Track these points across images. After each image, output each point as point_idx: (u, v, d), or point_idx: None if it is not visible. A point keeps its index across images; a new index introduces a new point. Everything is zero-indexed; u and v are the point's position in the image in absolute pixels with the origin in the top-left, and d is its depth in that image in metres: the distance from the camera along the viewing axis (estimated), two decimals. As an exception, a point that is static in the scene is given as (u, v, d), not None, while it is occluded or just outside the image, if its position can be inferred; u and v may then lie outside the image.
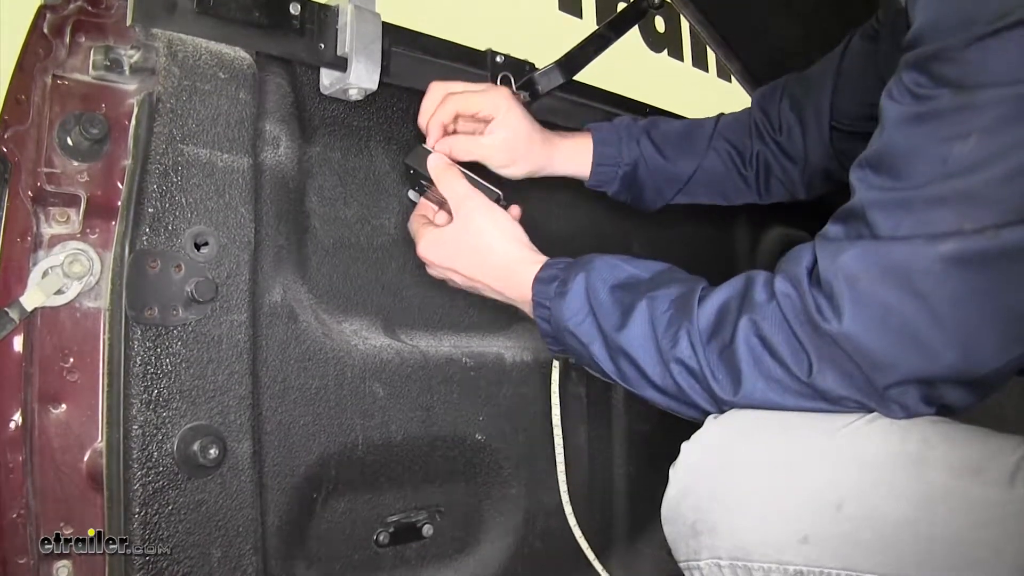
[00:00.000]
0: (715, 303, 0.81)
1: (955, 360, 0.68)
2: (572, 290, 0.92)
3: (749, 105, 1.33)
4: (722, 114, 1.32)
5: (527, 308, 1.00)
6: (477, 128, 1.14)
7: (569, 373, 1.31)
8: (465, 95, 1.11)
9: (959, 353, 0.68)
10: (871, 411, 0.73)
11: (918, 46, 0.67)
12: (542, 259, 1.00)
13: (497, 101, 1.12)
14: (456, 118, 1.12)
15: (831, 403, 0.74)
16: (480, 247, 1.02)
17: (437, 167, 1.07)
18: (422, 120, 1.12)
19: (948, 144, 0.65)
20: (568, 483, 1.33)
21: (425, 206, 1.11)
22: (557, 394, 1.20)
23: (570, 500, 1.20)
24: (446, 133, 1.11)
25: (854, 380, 0.72)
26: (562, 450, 1.19)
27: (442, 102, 1.10)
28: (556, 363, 1.21)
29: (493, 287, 1.03)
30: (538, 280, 0.97)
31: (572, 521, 1.19)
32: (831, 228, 0.75)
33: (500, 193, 1.08)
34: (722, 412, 0.81)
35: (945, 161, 0.66)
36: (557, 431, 1.19)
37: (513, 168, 1.15)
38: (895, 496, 0.68)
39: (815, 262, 0.75)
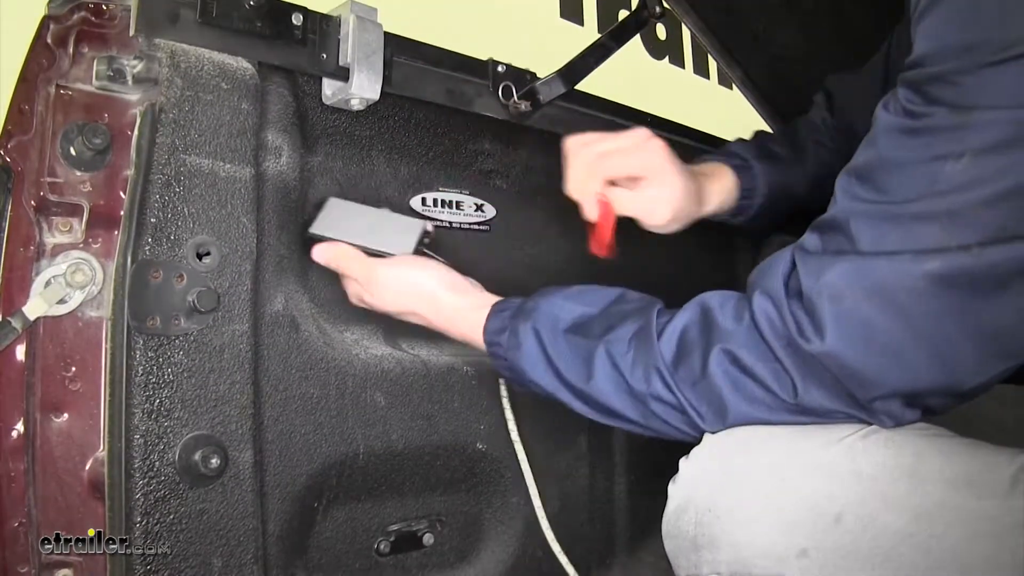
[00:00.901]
0: (674, 334, 0.81)
1: (938, 377, 0.69)
2: (525, 343, 0.91)
3: (752, 111, 1.33)
4: (805, 117, 1.31)
5: (475, 346, 0.99)
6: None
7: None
8: (614, 157, 1.04)
9: (942, 370, 0.68)
10: (860, 421, 0.74)
11: (918, 68, 0.68)
12: (481, 302, 0.99)
13: (650, 160, 1.04)
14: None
15: (820, 417, 0.75)
16: (411, 305, 1.02)
17: (329, 258, 1.04)
18: (572, 190, 1.04)
19: (940, 162, 0.65)
20: (568, 492, 1.33)
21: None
22: (509, 408, 1.19)
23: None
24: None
25: (840, 394, 0.72)
26: (527, 465, 1.19)
27: (590, 168, 1.03)
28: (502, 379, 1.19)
29: (436, 327, 1.03)
30: (488, 331, 0.96)
31: (545, 524, 1.18)
32: (810, 240, 0.75)
33: (426, 227, 1.07)
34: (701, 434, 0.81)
35: (935, 179, 0.66)
36: (518, 445, 1.18)
37: (670, 225, 1.09)
38: (893, 508, 0.68)
39: (791, 272, 0.75)
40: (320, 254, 1.04)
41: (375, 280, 1.02)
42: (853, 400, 0.72)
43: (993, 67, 0.62)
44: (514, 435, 1.18)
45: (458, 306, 1.00)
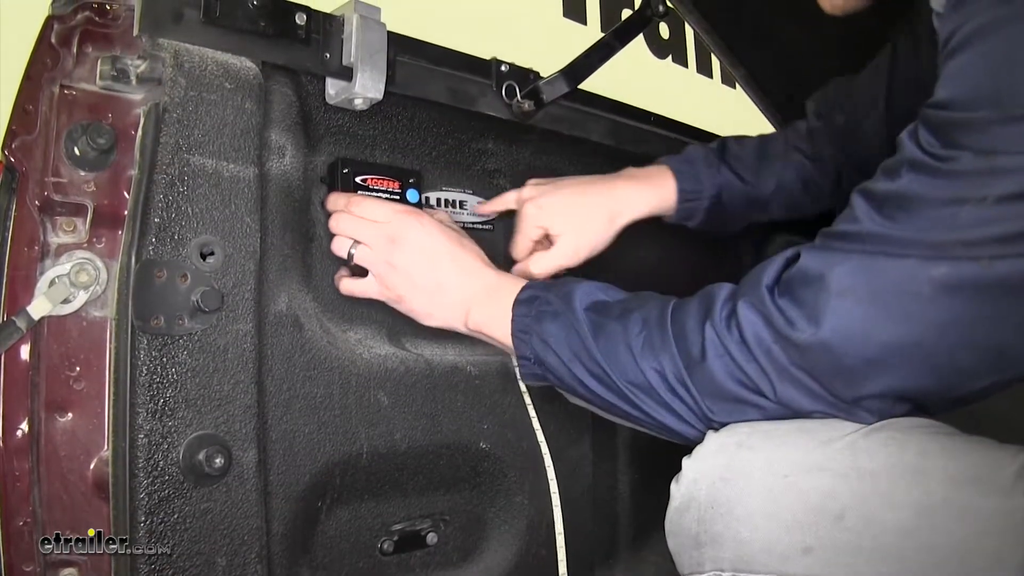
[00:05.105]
0: (681, 319, 0.83)
1: (930, 382, 0.70)
2: (552, 310, 0.93)
3: (756, 110, 1.33)
4: (789, 127, 1.32)
5: (487, 331, 1.01)
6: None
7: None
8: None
9: (935, 377, 0.70)
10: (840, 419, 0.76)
11: (944, 111, 0.67)
12: (511, 281, 1.02)
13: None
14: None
15: (803, 415, 0.77)
16: (438, 283, 1.04)
17: (338, 201, 1.07)
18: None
19: (961, 203, 0.66)
20: (572, 490, 1.32)
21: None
22: (527, 392, 1.19)
23: (563, 507, 1.19)
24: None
25: (817, 395, 0.74)
26: (547, 449, 1.17)
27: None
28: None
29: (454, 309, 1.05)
30: (519, 302, 0.97)
31: (559, 525, 1.17)
32: (825, 239, 0.76)
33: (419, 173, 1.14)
34: (706, 427, 0.82)
35: (956, 216, 0.66)
36: (540, 435, 1.17)
37: (585, 255, 1.19)
38: (895, 506, 0.69)
39: (782, 271, 0.77)
40: (335, 199, 1.09)
41: (418, 243, 1.06)
42: (832, 399, 0.74)
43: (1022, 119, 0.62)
44: (536, 423, 1.18)
45: (493, 282, 1.04)
